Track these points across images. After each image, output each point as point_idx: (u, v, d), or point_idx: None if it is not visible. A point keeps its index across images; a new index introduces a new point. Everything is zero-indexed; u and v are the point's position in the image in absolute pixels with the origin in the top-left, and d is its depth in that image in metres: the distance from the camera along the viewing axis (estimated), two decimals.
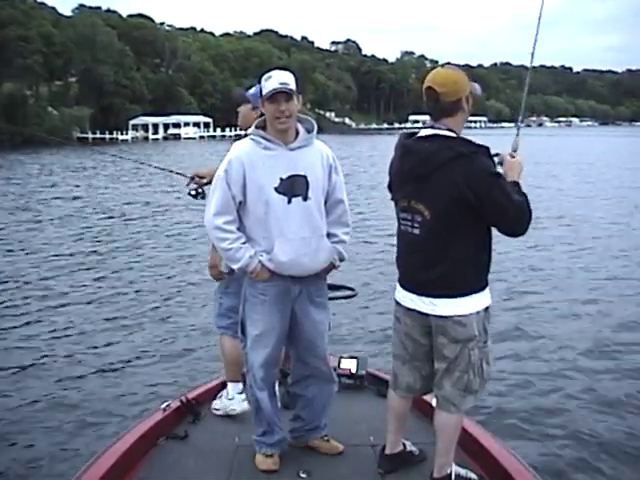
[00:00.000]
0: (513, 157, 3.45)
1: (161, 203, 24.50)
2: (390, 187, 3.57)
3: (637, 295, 11.54)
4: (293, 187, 3.56)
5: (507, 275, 12.36)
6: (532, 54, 3.86)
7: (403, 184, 3.40)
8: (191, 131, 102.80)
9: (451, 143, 3.23)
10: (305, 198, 3.58)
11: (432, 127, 3.34)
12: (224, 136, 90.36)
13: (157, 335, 9.19)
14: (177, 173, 5.35)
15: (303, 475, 3.67)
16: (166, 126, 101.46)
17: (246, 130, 4.31)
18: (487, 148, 3.24)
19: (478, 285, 3.33)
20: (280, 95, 3.50)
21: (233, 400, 4.35)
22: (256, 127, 3.65)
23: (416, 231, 3.34)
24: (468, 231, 3.25)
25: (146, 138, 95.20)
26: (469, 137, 3.28)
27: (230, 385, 4.38)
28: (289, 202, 3.56)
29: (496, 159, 3.35)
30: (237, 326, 3.86)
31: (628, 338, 9.09)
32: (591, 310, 10.53)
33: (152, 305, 10.80)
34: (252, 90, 4.30)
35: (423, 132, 3.38)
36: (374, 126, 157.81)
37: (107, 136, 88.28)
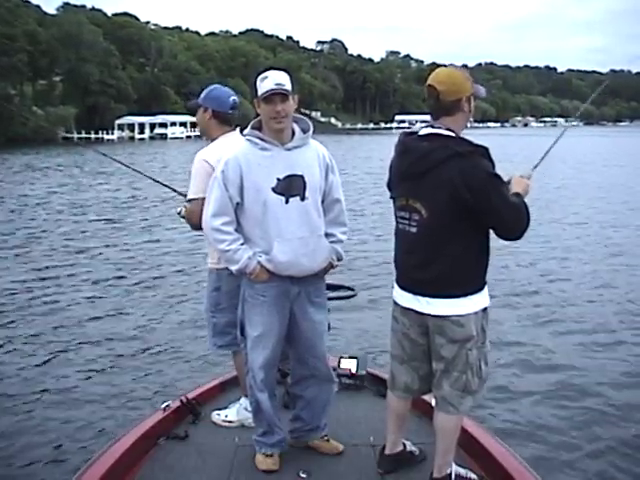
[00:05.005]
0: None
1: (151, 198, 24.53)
2: (389, 185, 3.58)
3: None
4: (290, 187, 3.56)
5: (506, 275, 12.38)
6: None
7: (401, 182, 3.42)
8: (177, 131, 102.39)
9: (449, 142, 3.23)
10: (303, 198, 3.59)
11: (432, 126, 3.35)
12: None
13: (157, 335, 9.15)
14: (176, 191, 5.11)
15: (303, 475, 3.68)
16: (152, 126, 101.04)
17: (208, 136, 4.29)
18: (486, 148, 3.25)
19: (476, 285, 3.33)
20: (276, 96, 3.50)
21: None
22: (252, 127, 3.65)
23: (413, 230, 3.34)
24: (465, 231, 3.25)
25: (132, 138, 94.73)
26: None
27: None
28: (286, 202, 3.56)
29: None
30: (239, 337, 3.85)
31: (632, 336, 9.16)
32: (592, 307, 10.62)
33: (151, 306, 10.74)
34: (202, 94, 4.30)
35: (423, 131, 3.38)
36: (360, 126, 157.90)
37: (92, 136, 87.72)
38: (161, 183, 5.55)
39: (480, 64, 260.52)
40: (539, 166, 3.81)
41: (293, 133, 3.66)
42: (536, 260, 14.29)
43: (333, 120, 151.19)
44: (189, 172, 4.11)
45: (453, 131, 3.30)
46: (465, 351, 3.30)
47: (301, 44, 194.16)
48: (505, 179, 3.37)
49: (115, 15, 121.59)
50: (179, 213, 4.28)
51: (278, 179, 3.54)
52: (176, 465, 3.82)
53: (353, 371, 4.88)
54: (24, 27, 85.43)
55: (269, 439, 3.82)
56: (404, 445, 3.76)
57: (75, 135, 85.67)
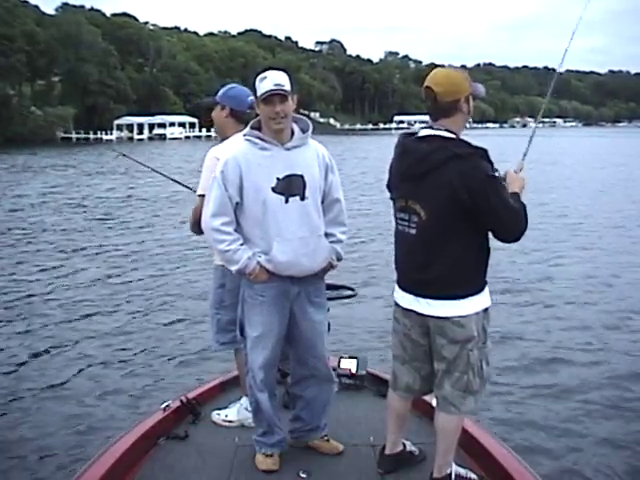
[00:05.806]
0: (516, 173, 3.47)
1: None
2: (389, 186, 3.58)
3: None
4: (290, 187, 3.56)
5: (505, 275, 12.37)
6: (562, 58, 3.90)
7: (400, 184, 3.42)
8: (176, 131, 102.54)
9: (448, 144, 3.23)
10: (302, 198, 3.58)
11: (431, 128, 3.35)
12: (209, 136, 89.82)
13: (157, 335, 9.14)
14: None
15: (303, 475, 3.68)
16: (151, 126, 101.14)
17: (222, 134, 4.31)
18: (485, 150, 3.24)
19: (476, 286, 3.33)
20: (275, 96, 3.49)
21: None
22: (251, 127, 3.64)
23: (413, 231, 3.34)
24: (464, 232, 3.25)
25: (131, 138, 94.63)
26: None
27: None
28: (286, 202, 3.55)
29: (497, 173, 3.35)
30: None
31: (633, 333, 9.19)
32: (592, 306, 10.64)
33: (151, 305, 10.73)
34: (220, 92, 4.34)
35: (422, 132, 3.38)
36: (359, 126, 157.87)
37: (91, 136, 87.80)
38: (176, 181, 5.57)
39: (479, 65, 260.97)
40: (529, 159, 3.78)
41: (292, 133, 3.65)
42: (536, 259, 14.30)
43: (332, 121, 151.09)
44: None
45: (452, 132, 3.29)
46: (466, 351, 3.30)
47: (300, 44, 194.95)
48: (500, 173, 3.36)
49: (114, 15, 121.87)
50: None
51: (278, 179, 3.54)
52: (176, 465, 3.82)
53: (353, 371, 4.88)
54: (23, 27, 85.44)
55: (269, 439, 3.82)
56: (404, 445, 3.75)
57: (74, 135, 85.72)
